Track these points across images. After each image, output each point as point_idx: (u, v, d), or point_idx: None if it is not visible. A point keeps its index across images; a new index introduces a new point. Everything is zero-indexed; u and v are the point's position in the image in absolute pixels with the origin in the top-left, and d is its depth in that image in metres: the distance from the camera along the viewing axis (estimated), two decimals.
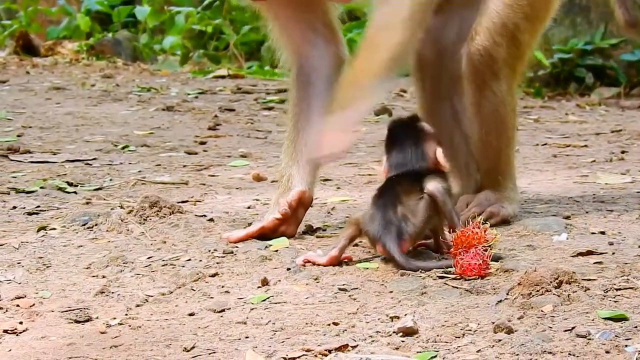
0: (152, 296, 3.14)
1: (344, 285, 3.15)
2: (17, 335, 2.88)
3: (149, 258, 3.48)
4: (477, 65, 3.84)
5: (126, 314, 3.00)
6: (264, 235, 3.70)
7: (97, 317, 2.99)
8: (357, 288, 3.12)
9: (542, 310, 2.83)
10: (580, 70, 9.40)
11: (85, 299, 3.13)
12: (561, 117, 7.33)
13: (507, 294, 2.96)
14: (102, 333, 2.86)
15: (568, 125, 6.92)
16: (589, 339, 2.61)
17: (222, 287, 3.20)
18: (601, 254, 3.36)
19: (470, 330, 2.73)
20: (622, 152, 5.58)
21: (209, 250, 3.54)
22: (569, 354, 2.52)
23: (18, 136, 6.29)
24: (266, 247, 3.57)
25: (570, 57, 9.42)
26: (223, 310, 2.99)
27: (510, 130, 3.98)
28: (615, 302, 2.90)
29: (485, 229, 3.25)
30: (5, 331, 2.89)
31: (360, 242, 3.59)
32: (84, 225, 3.90)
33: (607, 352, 2.52)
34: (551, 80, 9.53)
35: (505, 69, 3.87)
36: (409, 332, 2.72)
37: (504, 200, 3.93)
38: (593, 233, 3.65)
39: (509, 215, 3.90)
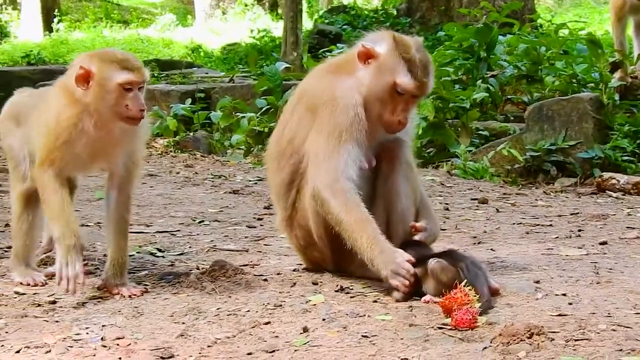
0: (220, 339, 3.13)
1: (366, 333, 3.13)
2: None
3: (217, 309, 3.48)
4: None
5: (200, 353, 3.00)
6: None
7: (178, 355, 2.99)
8: (376, 335, 3.10)
9: (517, 356, 2.81)
10: (547, 165, 9.38)
11: (169, 340, 3.13)
12: (532, 202, 7.27)
13: (491, 342, 2.94)
14: None
15: (537, 208, 6.86)
16: None
17: (273, 332, 3.19)
18: (563, 311, 3.32)
19: None
20: (579, 231, 5.52)
21: (264, 304, 3.53)
22: None
23: None
24: (307, 301, 3.55)
25: (539, 155, 9.41)
26: (274, 351, 2.99)
27: None
28: (574, 350, 2.87)
29: (466, 292, 3.26)
30: None
31: (378, 298, 3.57)
32: (169, 282, 3.90)
33: None
34: (524, 172, 9.51)
35: None
36: None
37: None
38: (557, 295, 3.60)
39: None
